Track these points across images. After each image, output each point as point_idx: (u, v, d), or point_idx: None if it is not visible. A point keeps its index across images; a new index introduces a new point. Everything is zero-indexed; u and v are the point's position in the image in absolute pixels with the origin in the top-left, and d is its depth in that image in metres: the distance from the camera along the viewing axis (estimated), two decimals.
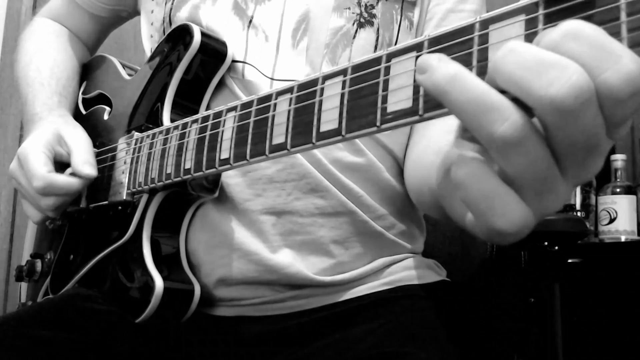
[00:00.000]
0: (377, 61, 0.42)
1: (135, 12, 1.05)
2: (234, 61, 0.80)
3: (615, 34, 0.30)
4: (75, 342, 0.75)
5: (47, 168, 0.80)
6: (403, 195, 0.83)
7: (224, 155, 0.58)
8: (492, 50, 0.34)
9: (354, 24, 0.80)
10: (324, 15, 0.80)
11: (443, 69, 0.33)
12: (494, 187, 0.33)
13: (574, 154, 0.33)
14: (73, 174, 0.81)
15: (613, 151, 1.99)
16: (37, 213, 0.86)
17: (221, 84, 0.81)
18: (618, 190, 1.76)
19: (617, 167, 1.79)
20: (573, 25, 0.30)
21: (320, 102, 0.47)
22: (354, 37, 0.80)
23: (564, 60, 0.30)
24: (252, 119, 0.55)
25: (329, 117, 0.45)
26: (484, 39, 0.35)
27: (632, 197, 1.75)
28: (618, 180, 1.78)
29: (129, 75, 0.96)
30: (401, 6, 0.82)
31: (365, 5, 0.80)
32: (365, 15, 0.80)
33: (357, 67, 0.44)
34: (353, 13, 0.80)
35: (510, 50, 0.31)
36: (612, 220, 1.73)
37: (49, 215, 0.86)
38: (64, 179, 0.80)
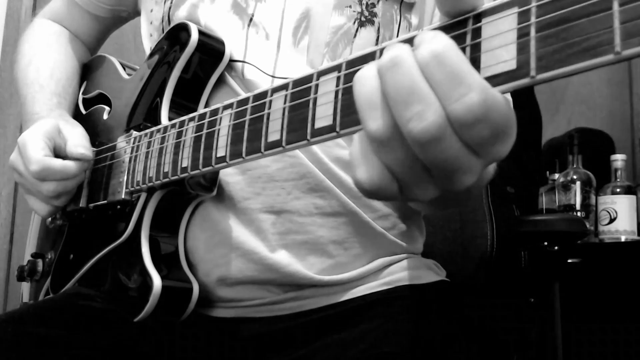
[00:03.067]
0: (371, 56, 0.42)
1: (136, 13, 1.05)
2: (233, 60, 0.80)
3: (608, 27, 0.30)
4: (74, 340, 0.75)
5: (44, 152, 0.81)
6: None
7: (220, 153, 0.58)
8: (485, 44, 0.34)
9: (354, 22, 0.80)
10: (324, 13, 0.80)
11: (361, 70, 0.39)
12: (364, 149, 0.41)
13: (437, 168, 0.38)
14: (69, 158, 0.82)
15: (613, 151, 1.99)
16: (44, 206, 0.86)
17: (222, 82, 0.81)
18: (618, 190, 1.76)
19: (617, 167, 1.79)
20: (440, 49, 0.35)
21: (315, 98, 0.47)
22: (355, 35, 0.80)
23: (428, 95, 0.35)
24: (247, 117, 0.55)
25: (324, 113, 0.45)
26: (477, 32, 0.35)
27: (632, 197, 1.75)
28: (618, 180, 1.78)
29: (129, 75, 0.96)
30: (399, 7, 0.82)
31: (367, 4, 0.80)
32: (366, 13, 0.80)
33: (351, 63, 0.44)
34: (354, 11, 0.80)
35: (395, 64, 0.36)
36: (612, 220, 1.73)
37: (54, 204, 0.85)
38: (60, 162, 0.81)
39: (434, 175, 0.39)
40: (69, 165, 0.81)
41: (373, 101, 0.38)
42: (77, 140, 0.84)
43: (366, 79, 0.38)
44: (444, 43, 0.35)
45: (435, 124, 0.35)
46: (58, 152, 0.84)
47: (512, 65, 0.34)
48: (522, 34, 0.33)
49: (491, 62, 0.35)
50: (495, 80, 0.35)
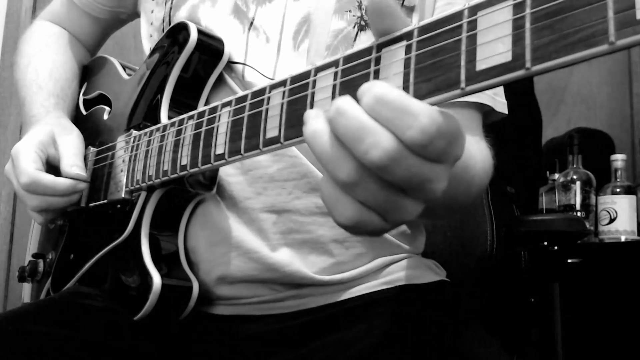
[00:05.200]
0: (368, 51, 0.42)
1: (135, 14, 1.05)
2: (233, 62, 0.80)
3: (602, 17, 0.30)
4: (74, 339, 0.75)
5: (36, 165, 0.81)
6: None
7: (219, 150, 0.58)
8: (481, 37, 0.34)
9: (354, 26, 0.80)
10: (325, 17, 0.80)
11: (309, 127, 0.42)
12: (334, 192, 0.44)
13: (407, 184, 0.41)
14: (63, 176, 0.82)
15: (613, 151, 1.99)
16: (36, 215, 0.86)
17: (222, 83, 0.81)
18: (618, 190, 1.76)
19: (617, 167, 1.79)
20: (380, 92, 0.38)
21: (313, 94, 0.47)
22: (355, 39, 0.80)
23: (377, 128, 0.38)
24: (246, 113, 0.55)
25: (322, 108, 0.45)
26: (473, 25, 0.35)
27: (632, 197, 1.75)
28: (618, 180, 1.78)
29: (129, 75, 0.96)
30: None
31: (366, 8, 0.81)
32: (366, 18, 0.80)
33: (348, 58, 0.44)
34: (354, 16, 0.80)
35: (340, 113, 0.40)
36: (612, 220, 1.73)
37: (45, 218, 0.86)
38: (50, 178, 0.81)
39: (408, 192, 0.42)
40: (59, 183, 0.81)
41: (332, 153, 0.41)
42: (72, 160, 0.84)
43: (319, 135, 0.42)
44: (381, 86, 0.39)
45: (390, 147, 0.38)
46: (51, 162, 0.85)
47: (507, 57, 0.34)
48: (518, 25, 0.33)
49: (487, 54, 0.35)
50: (490, 72, 0.35)
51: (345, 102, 0.40)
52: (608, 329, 1.58)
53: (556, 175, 1.90)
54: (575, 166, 1.85)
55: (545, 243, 1.53)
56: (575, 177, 1.83)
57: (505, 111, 0.83)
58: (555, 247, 1.52)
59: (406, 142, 0.38)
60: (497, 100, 0.81)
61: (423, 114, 0.37)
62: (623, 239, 1.72)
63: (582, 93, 2.32)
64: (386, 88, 0.39)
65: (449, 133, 0.38)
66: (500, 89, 0.83)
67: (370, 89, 0.39)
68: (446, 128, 0.38)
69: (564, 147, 1.91)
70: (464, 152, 0.41)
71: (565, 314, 1.50)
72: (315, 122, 0.42)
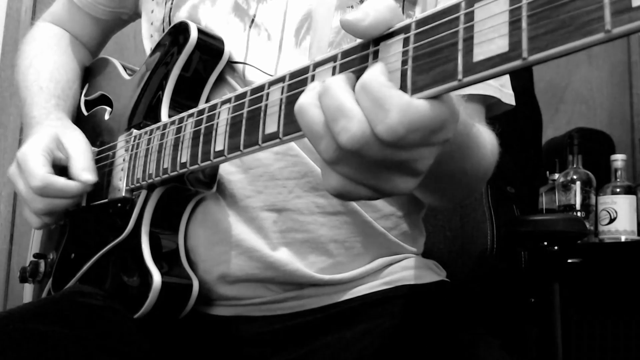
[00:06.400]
0: (366, 45, 0.43)
1: (136, 15, 1.05)
2: (234, 62, 0.80)
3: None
4: (74, 337, 0.75)
5: (47, 169, 0.81)
6: (409, 194, 0.83)
7: (219, 147, 0.59)
8: (478, 27, 0.35)
9: None
10: (327, 14, 0.80)
11: (299, 100, 0.44)
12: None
13: (381, 165, 0.42)
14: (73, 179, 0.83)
15: (613, 151, 2.00)
16: (35, 218, 0.86)
17: (223, 82, 0.81)
18: (618, 190, 1.76)
19: (617, 167, 1.79)
20: (365, 79, 0.40)
21: None
22: None
23: (352, 112, 0.40)
24: (245, 110, 0.55)
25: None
26: (470, 16, 0.35)
27: (632, 197, 1.75)
28: (618, 180, 1.78)
29: (130, 75, 0.96)
30: (403, 4, 0.83)
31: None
32: None
33: (346, 53, 0.45)
34: None
35: (326, 90, 0.42)
36: (612, 220, 1.73)
37: (45, 222, 0.86)
38: (63, 181, 0.81)
39: (390, 170, 0.43)
40: (72, 186, 0.82)
41: (315, 129, 0.43)
42: (83, 163, 0.84)
43: (305, 109, 0.43)
44: (370, 72, 0.40)
45: (359, 133, 0.40)
46: (57, 164, 0.85)
47: (504, 47, 0.34)
48: (514, 15, 0.33)
49: (484, 45, 0.35)
50: (487, 63, 0.35)
51: (334, 80, 0.41)
52: (608, 329, 1.58)
53: (556, 175, 1.90)
54: (575, 166, 1.85)
55: (546, 243, 1.53)
56: (575, 177, 1.83)
57: (513, 102, 0.83)
58: (555, 247, 1.52)
59: (376, 135, 0.40)
60: (504, 91, 0.81)
61: (394, 111, 0.39)
62: (623, 239, 1.72)
63: (582, 93, 2.32)
64: (373, 75, 0.40)
65: (423, 128, 0.39)
66: (507, 81, 0.83)
67: (364, 74, 0.40)
68: (424, 122, 0.39)
69: (564, 147, 1.91)
70: (473, 128, 0.42)
71: (565, 314, 1.50)
72: (305, 95, 0.44)
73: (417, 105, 0.39)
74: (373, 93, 0.39)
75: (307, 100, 0.43)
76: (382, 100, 0.39)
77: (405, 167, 0.42)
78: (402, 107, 0.38)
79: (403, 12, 0.82)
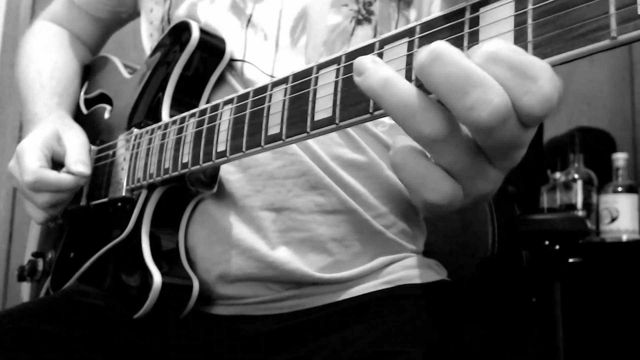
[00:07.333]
0: (370, 48, 0.42)
1: (136, 14, 1.05)
2: (233, 60, 0.80)
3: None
4: (73, 337, 0.75)
5: (40, 163, 0.81)
6: (404, 193, 0.83)
7: (221, 147, 0.58)
8: (483, 33, 0.34)
9: (351, 21, 0.80)
10: (322, 12, 0.80)
11: (377, 74, 0.37)
12: (423, 168, 0.39)
13: (498, 151, 0.38)
14: (67, 172, 0.82)
15: (615, 150, 1.99)
16: (39, 213, 0.86)
17: (222, 81, 0.81)
18: (620, 189, 1.76)
19: (618, 166, 1.79)
20: (492, 48, 0.34)
21: (315, 91, 0.47)
22: (352, 34, 0.80)
23: (488, 80, 0.34)
24: (248, 111, 0.55)
25: (323, 105, 0.45)
26: (475, 21, 0.35)
27: (634, 196, 1.75)
28: (620, 179, 1.78)
29: (130, 74, 0.96)
30: (398, 4, 0.83)
31: (364, 2, 0.81)
32: (364, 12, 0.81)
33: (351, 55, 0.44)
34: (351, 10, 0.80)
35: (436, 57, 0.34)
36: (613, 220, 1.73)
37: (51, 214, 0.86)
38: (54, 175, 0.81)
39: (492, 159, 0.39)
40: (64, 179, 0.81)
41: (416, 105, 0.36)
42: (77, 156, 0.83)
43: (395, 83, 0.37)
44: (492, 43, 0.34)
45: (502, 104, 0.34)
46: (57, 159, 0.85)
47: None
48: (519, 21, 0.33)
49: None
50: None
51: (444, 45, 0.34)
52: (609, 328, 1.58)
53: (557, 174, 1.90)
54: (576, 165, 1.85)
55: (547, 242, 1.53)
56: (576, 176, 1.83)
57: None
58: (557, 247, 1.52)
59: (521, 109, 0.34)
60: None
61: (544, 76, 0.34)
62: (625, 238, 1.72)
63: (584, 92, 2.31)
64: (499, 43, 0.34)
65: (558, 99, 0.35)
66: None
67: (479, 47, 0.34)
68: (558, 94, 0.35)
69: (565, 146, 1.91)
70: None
71: (567, 314, 1.50)
72: (382, 68, 0.37)
73: (553, 71, 0.35)
74: (511, 59, 0.33)
75: (393, 73, 0.37)
76: (526, 68, 0.33)
77: (509, 156, 0.39)
78: (548, 73, 0.34)
79: (398, 13, 0.82)
